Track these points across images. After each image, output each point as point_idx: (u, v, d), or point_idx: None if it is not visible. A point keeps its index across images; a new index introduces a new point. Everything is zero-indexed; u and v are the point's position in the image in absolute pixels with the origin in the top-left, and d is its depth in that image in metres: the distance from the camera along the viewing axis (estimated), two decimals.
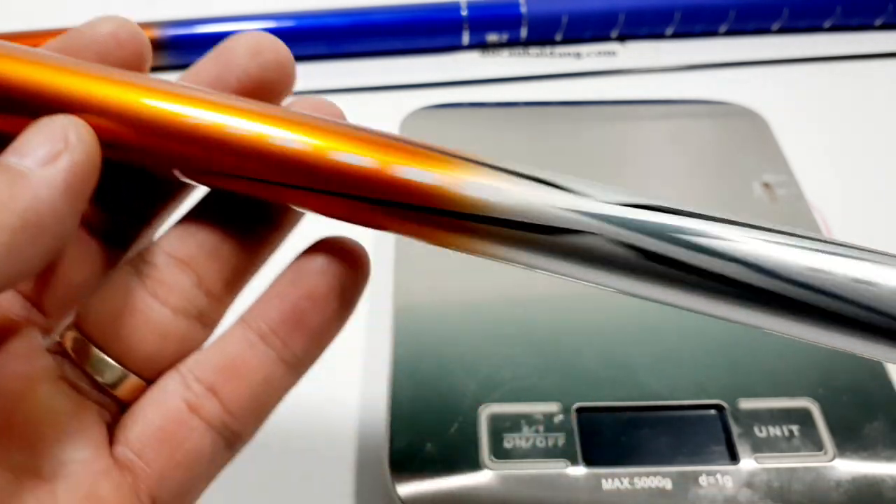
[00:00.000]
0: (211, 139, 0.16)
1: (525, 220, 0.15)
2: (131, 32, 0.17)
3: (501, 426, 0.23)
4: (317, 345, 0.17)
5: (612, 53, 0.42)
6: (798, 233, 0.15)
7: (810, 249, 0.14)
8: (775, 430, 0.23)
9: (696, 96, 0.37)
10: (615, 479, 0.22)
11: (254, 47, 0.17)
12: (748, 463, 0.23)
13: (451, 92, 0.39)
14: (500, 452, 0.23)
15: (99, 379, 0.16)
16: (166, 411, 0.16)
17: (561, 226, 0.15)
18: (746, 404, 0.24)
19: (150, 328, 0.16)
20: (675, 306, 0.15)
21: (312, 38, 0.41)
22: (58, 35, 0.17)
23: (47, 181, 0.14)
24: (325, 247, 0.17)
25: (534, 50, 0.42)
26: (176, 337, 0.17)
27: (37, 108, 0.15)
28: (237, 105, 0.16)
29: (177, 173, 0.16)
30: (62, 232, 0.14)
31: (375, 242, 0.32)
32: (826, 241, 0.14)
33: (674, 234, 0.14)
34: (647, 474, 0.22)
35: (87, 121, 0.15)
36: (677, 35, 0.42)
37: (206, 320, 0.17)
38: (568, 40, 0.42)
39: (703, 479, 0.22)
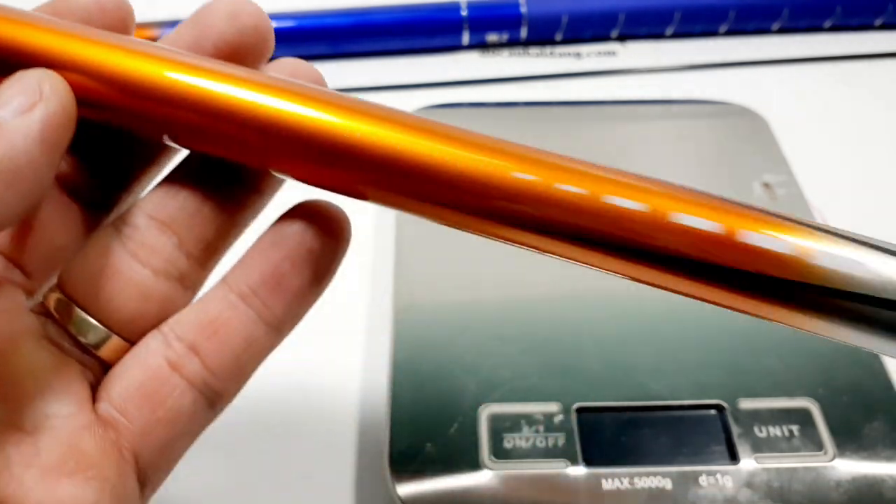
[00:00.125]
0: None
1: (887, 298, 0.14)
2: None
3: (501, 426, 0.23)
4: (298, 306, 0.17)
5: (612, 53, 0.42)
6: None
7: None
8: (775, 430, 0.23)
9: (696, 96, 0.37)
10: (615, 479, 0.22)
11: (231, 11, 0.17)
12: (748, 463, 0.23)
13: (451, 92, 0.39)
14: (500, 452, 0.23)
15: (82, 340, 0.16)
16: (148, 369, 0.16)
17: None
18: (746, 404, 0.24)
19: (132, 290, 0.17)
20: None
21: (312, 38, 0.41)
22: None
23: (23, 130, 0.14)
24: (305, 210, 0.17)
25: (534, 50, 0.42)
26: (157, 298, 0.17)
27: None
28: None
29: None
30: (38, 180, 0.15)
31: (375, 242, 0.32)
32: None
33: None
34: (647, 474, 0.22)
35: (74, 80, 0.15)
36: (677, 35, 0.42)
37: (188, 282, 0.17)
38: (568, 40, 0.42)
39: (703, 479, 0.22)
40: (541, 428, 0.23)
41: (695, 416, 0.24)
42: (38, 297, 0.17)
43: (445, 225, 0.16)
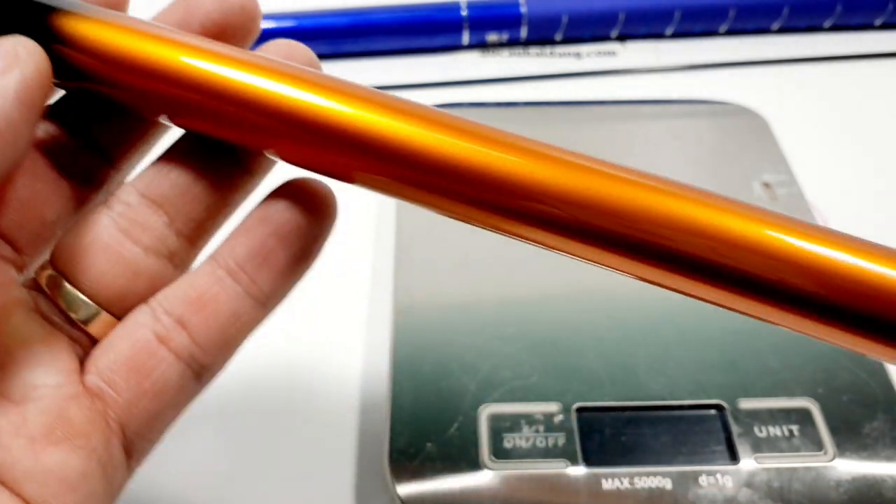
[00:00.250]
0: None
1: None
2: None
3: (501, 426, 0.23)
4: (284, 282, 0.18)
5: (612, 53, 0.42)
6: None
7: None
8: (775, 430, 0.23)
9: (696, 96, 0.37)
10: (615, 479, 0.22)
11: None
12: (748, 463, 0.23)
13: (451, 92, 0.39)
14: (500, 452, 0.23)
15: (73, 315, 0.17)
16: (136, 342, 0.17)
17: None
18: (746, 404, 0.24)
19: (122, 266, 0.17)
20: None
21: (312, 38, 0.41)
22: None
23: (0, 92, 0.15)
24: (292, 187, 0.18)
25: (534, 50, 0.42)
26: (147, 275, 0.17)
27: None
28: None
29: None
30: (16, 141, 0.15)
31: (376, 242, 0.32)
32: None
33: None
34: (647, 474, 0.22)
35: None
36: (677, 35, 0.42)
37: (177, 260, 0.18)
38: (568, 40, 0.42)
39: (703, 479, 0.22)
40: (541, 428, 0.23)
41: (695, 416, 0.24)
42: (30, 273, 0.17)
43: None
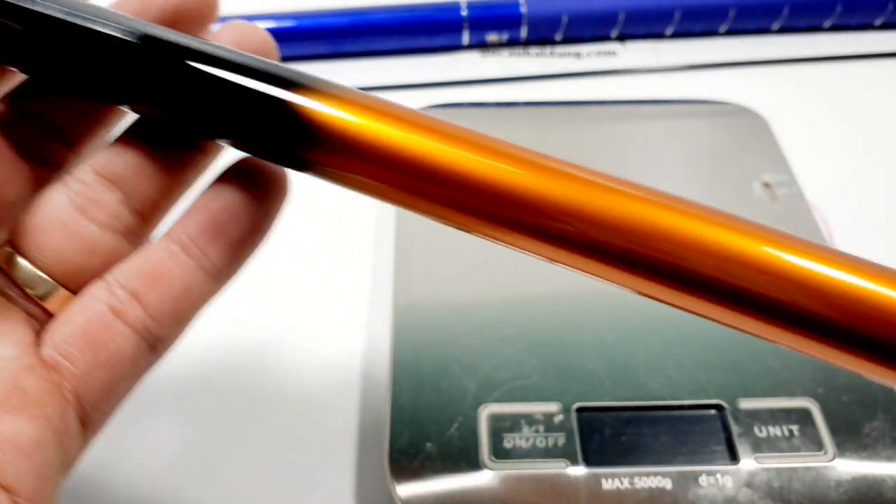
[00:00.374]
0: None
1: None
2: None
3: (501, 426, 0.23)
4: (236, 255, 0.18)
5: (612, 53, 0.42)
6: None
7: None
8: (775, 430, 0.23)
9: (696, 96, 0.37)
10: (615, 479, 0.22)
11: None
12: (748, 463, 0.23)
13: (451, 92, 0.39)
14: (500, 452, 0.23)
15: (30, 291, 0.17)
16: (91, 315, 0.17)
17: None
18: (746, 404, 0.24)
19: (79, 243, 0.17)
20: None
21: (312, 38, 0.41)
22: None
23: None
24: (244, 165, 0.18)
25: (534, 50, 0.42)
26: (103, 252, 0.17)
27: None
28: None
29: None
30: None
31: (376, 242, 0.32)
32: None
33: None
34: (647, 474, 0.22)
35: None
36: (677, 35, 0.42)
37: (133, 237, 0.18)
38: (568, 40, 0.42)
39: (703, 479, 0.22)
40: (541, 428, 0.23)
41: (695, 415, 0.24)
42: None
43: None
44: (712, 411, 0.24)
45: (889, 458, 0.23)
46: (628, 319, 0.27)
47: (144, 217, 0.18)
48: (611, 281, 0.16)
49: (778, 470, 0.23)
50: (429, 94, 0.39)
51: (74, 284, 0.17)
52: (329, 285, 0.30)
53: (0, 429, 0.15)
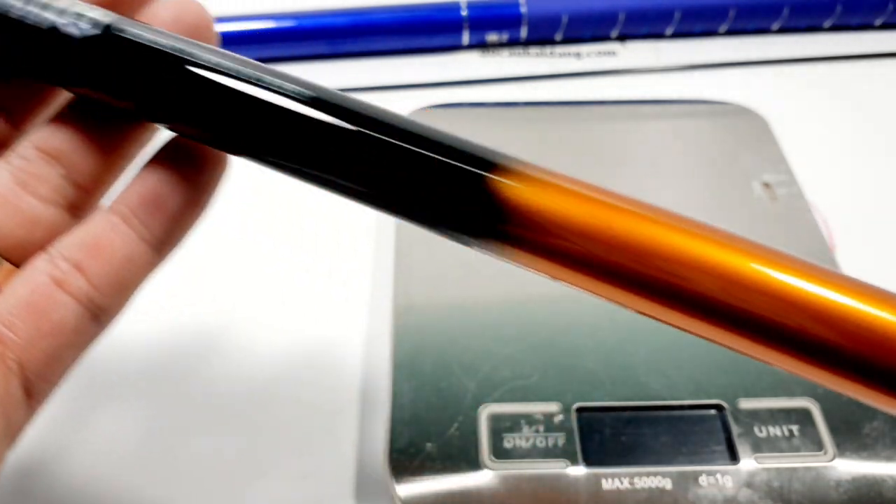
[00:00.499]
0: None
1: None
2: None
3: (501, 426, 0.23)
4: (175, 227, 0.18)
5: (612, 53, 0.42)
6: None
7: None
8: (775, 430, 0.23)
9: (696, 96, 0.37)
10: (615, 479, 0.22)
11: None
12: (748, 463, 0.23)
13: (451, 92, 0.39)
14: (500, 452, 0.23)
15: None
16: (34, 286, 0.17)
17: None
18: (746, 404, 0.24)
19: (21, 217, 0.18)
20: None
21: (312, 38, 0.41)
22: None
23: None
24: (182, 140, 0.18)
25: (534, 50, 0.42)
26: (46, 225, 0.18)
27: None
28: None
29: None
30: None
31: (376, 241, 0.32)
32: None
33: None
34: (647, 474, 0.22)
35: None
36: (677, 35, 0.42)
37: (76, 211, 0.18)
38: (568, 40, 0.42)
39: (703, 479, 0.22)
40: (541, 428, 0.23)
41: (695, 415, 0.24)
42: None
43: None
44: (712, 411, 0.24)
45: (889, 458, 0.23)
46: (628, 320, 0.27)
47: (87, 191, 0.18)
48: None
49: (778, 470, 0.23)
50: (429, 94, 0.39)
51: (18, 257, 0.18)
52: (329, 285, 0.30)
53: None
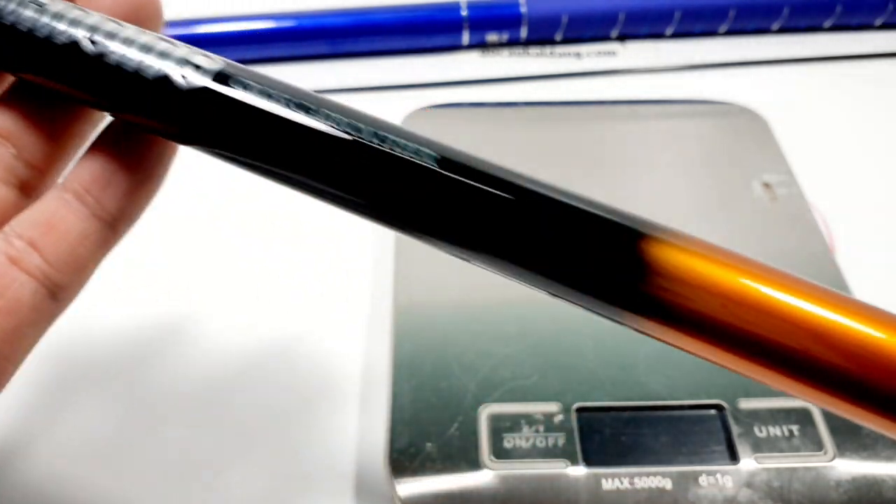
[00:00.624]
0: None
1: None
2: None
3: (501, 426, 0.23)
4: (129, 204, 0.18)
5: (612, 53, 0.42)
6: None
7: None
8: (775, 430, 0.23)
9: (696, 96, 0.37)
10: (615, 479, 0.22)
11: None
12: (748, 463, 0.23)
13: (451, 92, 0.39)
14: (500, 452, 0.23)
15: None
16: None
17: None
18: (746, 404, 0.24)
19: None
20: None
21: (312, 38, 0.41)
22: None
23: None
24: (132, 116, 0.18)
25: (534, 50, 0.42)
26: None
27: None
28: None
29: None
30: None
31: (376, 241, 0.32)
32: None
33: None
34: (647, 474, 0.22)
35: None
36: (677, 35, 0.42)
37: (29, 190, 0.18)
38: (568, 40, 0.42)
39: (703, 479, 0.22)
40: (541, 428, 0.23)
41: (695, 415, 0.24)
42: None
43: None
44: (712, 411, 0.24)
45: (889, 458, 0.23)
46: None
47: (40, 170, 0.18)
48: None
49: (778, 470, 0.22)
50: (429, 94, 0.39)
51: None
52: (329, 285, 0.30)
53: None
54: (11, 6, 0.17)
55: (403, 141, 0.17)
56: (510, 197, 0.16)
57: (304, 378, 0.27)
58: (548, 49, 0.42)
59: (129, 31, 0.17)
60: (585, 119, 0.35)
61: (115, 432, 0.26)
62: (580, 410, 0.24)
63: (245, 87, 0.17)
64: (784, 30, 0.42)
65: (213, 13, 0.40)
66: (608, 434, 0.23)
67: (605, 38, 0.42)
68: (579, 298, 0.17)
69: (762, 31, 0.42)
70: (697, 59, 0.41)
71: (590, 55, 0.41)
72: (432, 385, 0.25)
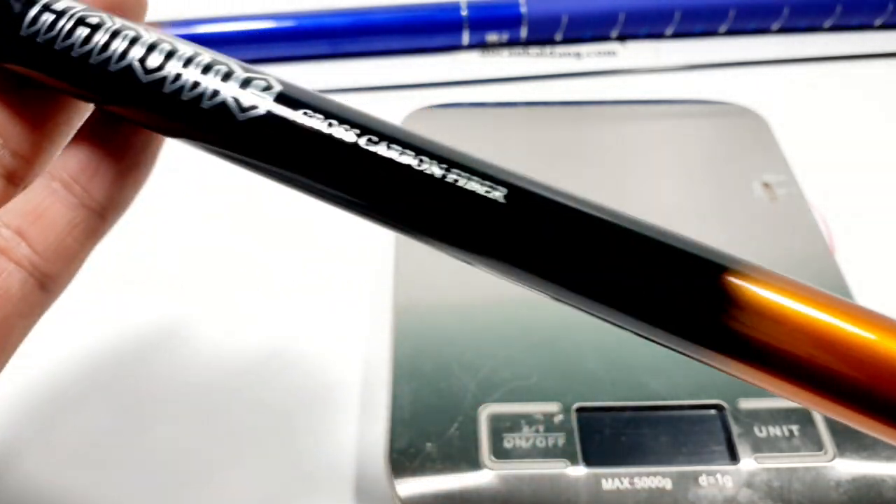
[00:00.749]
0: None
1: None
2: None
3: (501, 426, 0.23)
4: (117, 192, 0.18)
5: (612, 53, 0.42)
6: None
7: None
8: (775, 430, 0.23)
9: (696, 96, 0.37)
10: (615, 479, 0.22)
11: None
12: (748, 463, 0.23)
13: (451, 92, 0.39)
14: (500, 452, 0.23)
15: None
16: None
17: None
18: (746, 404, 0.24)
19: None
20: None
21: (312, 38, 0.41)
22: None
23: None
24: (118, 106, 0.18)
25: (534, 50, 0.42)
26: None
27: None
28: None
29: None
30: None
31: (376, 241, 0.32)
32: None
33: None
34: (647, 474, 0.22)
35: None
36: (677, 35, 0.42)
37: (16, 179, 0.18)
38: (568, 40, 0.42)
39: (703, 479, 0.22)
40: (541, 428, 0.23)
41: (695, 415, 0.24)
42: None
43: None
44: (712, 411, 0.24)
45: (889, 458, 0.23)
46: None
47: (27, 160, 0.18)
48: None
49: (778, 470, 0.22)
50: (429, 94, 0.39)
51: None
52: (329, 285, 0.30)
53: None
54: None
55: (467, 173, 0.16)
56: (587, 228, 0.16)
57: (305, 378, 0.27)
58: (548, 49, 0.42)
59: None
60: (585, 119, 0.35)
61: (115, 433, 0.26)
62: (580, 410, 0.24)
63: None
64: (784, 30, 0.42)
65: (213, 13, 0.40)
66: (608, 434, 0.23)
67: (604, 38, 0.42)
68: (656, 334, 0.17)
69: (762, 31, 0.42)
70: (697, 59, 0.41)
71: (590, 55, 0.41)
72: (432, 385, 0.25)
